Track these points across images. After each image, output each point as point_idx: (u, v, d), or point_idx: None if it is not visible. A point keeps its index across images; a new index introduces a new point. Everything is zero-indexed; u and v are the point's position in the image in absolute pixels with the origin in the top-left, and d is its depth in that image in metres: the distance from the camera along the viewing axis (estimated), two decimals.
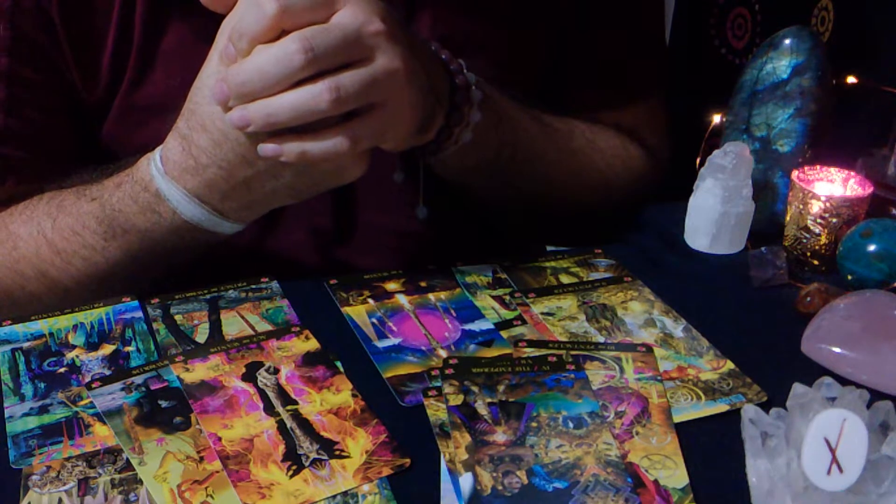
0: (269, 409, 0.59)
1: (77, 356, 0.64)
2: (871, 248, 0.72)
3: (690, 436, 0.58)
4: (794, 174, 0.79)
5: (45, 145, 0.73)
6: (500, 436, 0.56)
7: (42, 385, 0.61)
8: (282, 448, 0.56)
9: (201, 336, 0.67)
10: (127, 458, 0.55)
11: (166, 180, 0.63)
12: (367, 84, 0.57)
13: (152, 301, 0.70)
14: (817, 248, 0.77)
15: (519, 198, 0.82)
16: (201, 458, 0.55)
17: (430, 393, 0.60)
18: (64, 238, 0.68)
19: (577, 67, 0.85)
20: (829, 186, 0.78)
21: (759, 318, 0.72)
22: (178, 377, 0.61)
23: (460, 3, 0.76)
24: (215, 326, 0.68)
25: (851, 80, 0.86)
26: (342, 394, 0.61)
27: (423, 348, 0.66)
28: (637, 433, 0.57)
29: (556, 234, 0.93)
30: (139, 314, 0.69)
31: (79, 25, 0.69)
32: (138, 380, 0.61)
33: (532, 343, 0.66)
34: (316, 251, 0.80)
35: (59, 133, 0.74)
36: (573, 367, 0.63)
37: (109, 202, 0.66)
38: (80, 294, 0.70)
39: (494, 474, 0.53)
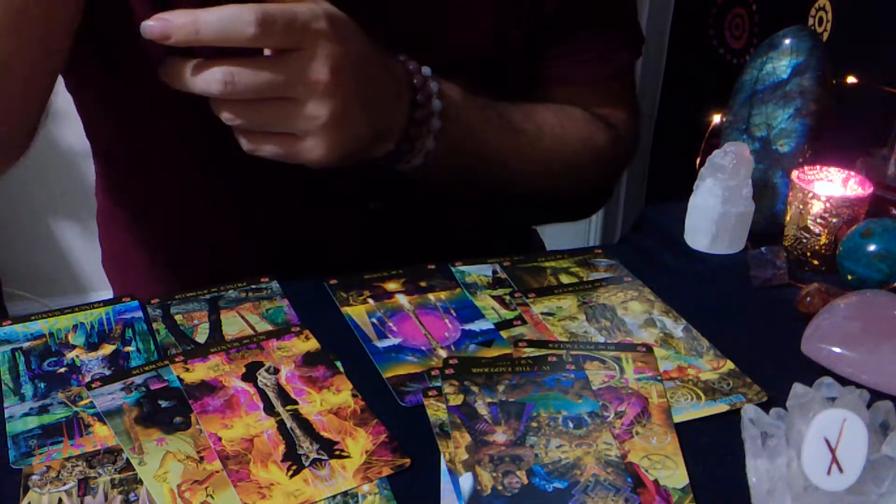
0: (269, 409, 0.59)
1: (77, 356, 0.64)
2: (871, 248, 0.72)
3: (690, 436, 0.58)
4: (794, 174, 0.79)
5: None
6: (500, 436, 0.56)
7: (42, 385, 0.61)
8: (282, 448, 0.56)
9: (201, 336, 0.67)
10: (127, 458, 0.55)
11: None
12: (287, 118, 0.60)
13: (152, 301, 0.70)
14: (817, 248, 0.77)
15: (478, 191, 0.81)
16: (201, 458, 0.55)
17: (430, 393, 0.60)
18: None
19: (557, 45, 0.84)
20: (829, 186, 0.78)
21: (759, 318, 0.72)
22: (178, 377, 0.61)
23: None
24: (215, 326, 0.68)
25: (851, 80, 0.86)
26: (342, 394, 0.61)
27: (423, 348, 0.66)
28: (637, 433, 0.57)
29: (535, 214, 0.93)
30: (139, 314, 0.69)
31: None
32: (138, 380, 0.61)
33: (532, 343, 0.66)
34: (316, 251, 0.80)
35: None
36: (573, 367, 0.63)
37: None
38: None
39: (494, 474, 0.53)
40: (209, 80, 0.59)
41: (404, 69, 0.69)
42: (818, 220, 0.76)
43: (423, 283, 0.74)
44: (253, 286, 0.73)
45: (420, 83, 0.68)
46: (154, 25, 0.57)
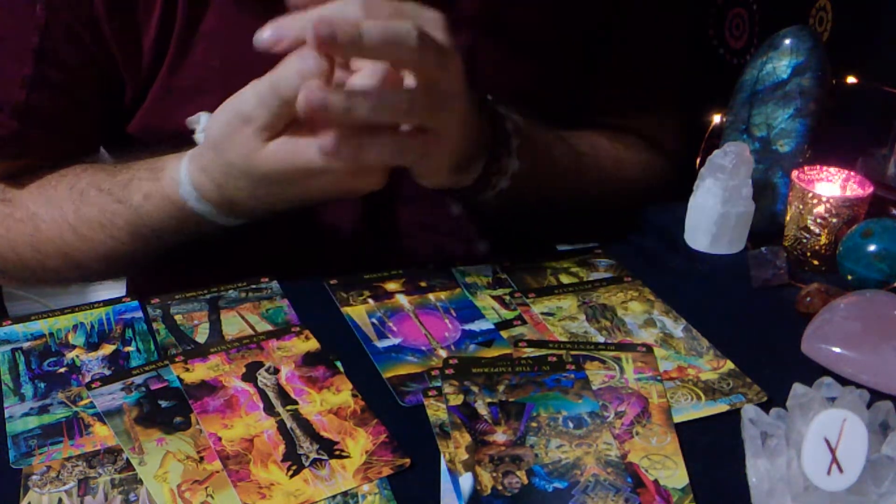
0: (269, 409, 0.59)
1: (77, 356, 0.64)
2: (871, 248, 0.72)
3: (690, 436, 0.58)
4: (794, 174, 0.79)
5: (67, 129, 0.73)
6: (500, 436, 0.56)
7: (42, 385, 0.61)
8: (282, 448, 0.56)
9: (201, 336, 0.67)
10: (127, 458, 0.55)
11: (202, 203, 0.66)
12: (436, 105, 0.59)
13: (152, 301, 0.70)
14: (817, 248, 0.77)
15: (542, 216, 0.83)
16: (201, 458, 0.55)
17: (430, 393, 0.60)
18: (90, 228, 0.70)
19: (608, 76, 0.85)
20: (829, 186, 0.78)
21: (759, 318, 0.72)
22: (178, 377, 0.61)
23: (501, 10, 0.76)
24: (215, 326, 0.68)
25: (851, 80, 0.85)
26: (342, 394, 0.61)
27: (423, 348, 0.66)
28: (637, 433, 0.57)
29: (563, 234, 0.94)
30: (139, 314, 0.69)
31: (123, 9, 0.69)
32: (138, 380, 0.61)
33: (532, 343, 0.66)
34: (318, 249, 0.80)
35: (84, 119, 0.74)
36: (573, 367, 0.63)
37: (139, 212, 0.68)
38: (98, 269, 0.73)
39: (494, 474, 0.53)
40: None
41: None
42: (818, 220, 0.76)
43: (423, 283, 0.74)
44: (253, 286, 0.73)
45: (492, 105, 0.70)
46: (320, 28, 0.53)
